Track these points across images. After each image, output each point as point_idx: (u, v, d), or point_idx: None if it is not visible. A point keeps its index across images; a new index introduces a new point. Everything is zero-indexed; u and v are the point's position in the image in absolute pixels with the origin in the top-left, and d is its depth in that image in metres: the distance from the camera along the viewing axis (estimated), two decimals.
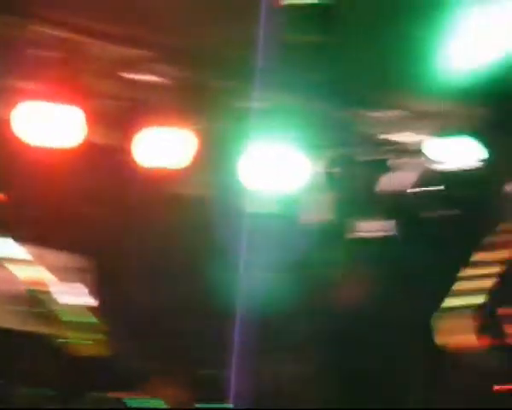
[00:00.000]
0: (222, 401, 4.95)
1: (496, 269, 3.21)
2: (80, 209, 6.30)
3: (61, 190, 5.99)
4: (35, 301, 4.19)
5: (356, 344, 5.88)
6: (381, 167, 5.44)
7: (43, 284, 4.27)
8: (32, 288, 4.27)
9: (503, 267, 3.16)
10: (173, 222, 6.28)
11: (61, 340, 4.74)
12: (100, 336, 4.87)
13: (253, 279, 5.32)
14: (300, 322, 5.91)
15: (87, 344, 4.88)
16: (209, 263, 6.40)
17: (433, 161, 5.42)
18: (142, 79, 5.44)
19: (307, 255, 5.70)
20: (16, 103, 4.81)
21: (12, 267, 5.61)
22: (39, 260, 4.44)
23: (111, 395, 4.79)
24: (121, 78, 5.21)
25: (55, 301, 4.40)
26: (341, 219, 5.75)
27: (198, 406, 4.96)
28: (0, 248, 3.96)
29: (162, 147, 5.50)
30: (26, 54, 4.80)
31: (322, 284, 6.12)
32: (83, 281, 6.23)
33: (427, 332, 5.17)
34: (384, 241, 5.88)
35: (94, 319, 4.79)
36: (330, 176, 5.43)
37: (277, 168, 5.14)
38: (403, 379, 5.87)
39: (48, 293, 4.23)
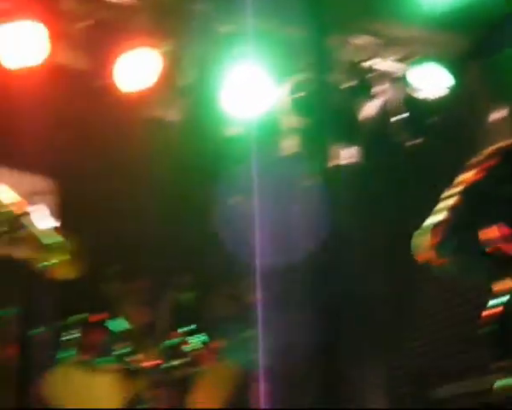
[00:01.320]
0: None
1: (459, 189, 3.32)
2: (47, 132, 6.22)
3: (26, 112, 5.90)
4: (11, 223, 4.14)
5: None
6: (360, 93, 5.47)
7: (18, 206, 4.20)
8: (6, 210, 4.20)
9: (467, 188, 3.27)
10: (147, 146, 6.24)
11: (38, 263, 4.72)
12: (72, 258, 4.87)
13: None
14: None
15: (62, 266, 4.88)
16: (180, 187, 6.40)
17: (412, 88, 5.46)
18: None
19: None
20: None
21: None
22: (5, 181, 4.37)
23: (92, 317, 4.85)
24: None
25: (31, 223, 4.34)
26: (314, 145, 5.76)
27: None
28: None
29: (133, 69, 5.45)
30: None
31: None
32: (49, 204, 6.20)
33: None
34: (358, 168, 5.95)
35: (65, 242, 4.77)
36: (302, 101, 5.43)
37: (252, 92, 5.14)
38: None
39: (24, 215, 4.17)
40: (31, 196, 6.01)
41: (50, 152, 6.22)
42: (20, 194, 5.67)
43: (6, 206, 4.06)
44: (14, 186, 4.48)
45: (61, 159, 6.29)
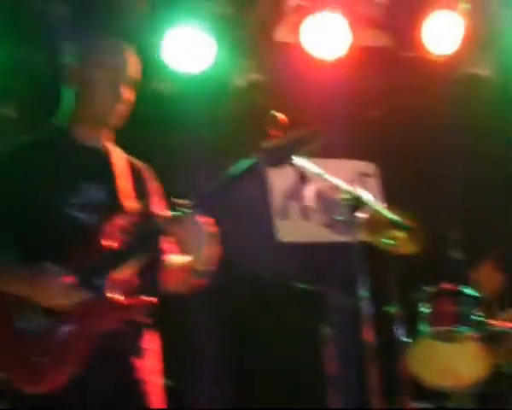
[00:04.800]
0: None
1: None
2: (361, 114, 6.30)
3: (340, 97, 6.02)
4: (348, 209, 4.24)
5: None
6: None
7: (353, 191, 4.30)
8: (340, 197, 4.32)
9: None
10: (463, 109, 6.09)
11: (381, 242, 4.82)
12: (412, 233, 4.88)
13: None
14: None
15: (404, 242, 4.92)
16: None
17: None
18: None
19: None
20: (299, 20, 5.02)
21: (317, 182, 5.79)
22: (330, 171, 4.49)
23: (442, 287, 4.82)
24: None
25: (371, 204, 4.43)
26: None
27: None
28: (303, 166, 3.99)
29: (438, 33, 5.38)
30: None
31: None
32: (371, 187, 6.28)
33: None
34: None
35: (404, 218, 4.79)
36: None
37: None
38: None
39: (362, 197, 4.26)
40: (356, 181, 6.18)
41: (367, 135, 6.30)
42: (346, 179, 5.82)
43: (345, 191, 4.17)
44: (339, 173, 4.61)
45: (377, 140, 6.35)
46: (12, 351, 2.66)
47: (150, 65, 5.18)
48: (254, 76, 5.58)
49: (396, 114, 6.37)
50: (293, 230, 6.24)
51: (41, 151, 2.90)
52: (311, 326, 5.11)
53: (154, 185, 3.07)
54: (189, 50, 5.12)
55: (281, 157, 2.87)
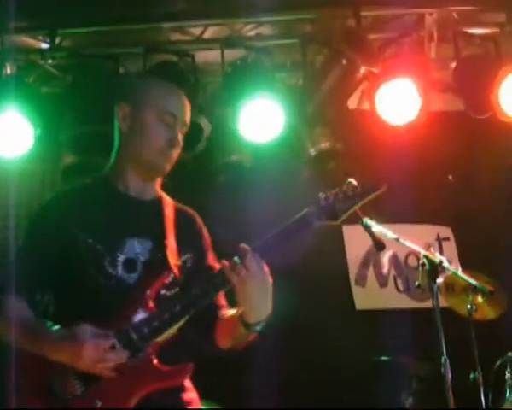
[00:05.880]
0: None
1: None
2: (433, 180, 6.26)
3: (414, 162, 5.98)
4: (426, 274, 4.19)
5: None
6: None
7: (432, 255, 4.25)
8: (418, 262, 4.29)
9: None
10: None
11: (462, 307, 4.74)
12: (492, 298, 4.78)
13: None
14: None
15: (484, 307, 4.83)
16: None
17: None
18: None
19: None
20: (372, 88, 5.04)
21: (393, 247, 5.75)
22: (406, 236, 4.45)
23: None
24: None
25: (450, 268, 4.37)
26: None
27: None
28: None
29: None
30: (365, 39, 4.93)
31: None
32: (449, 251, 6.20)
33: None
34: None
35: (484, 282, 4.70)
36: None
37: None
38: None
39: (441, 262, 4.21)
40: (433, 245, 6.10)
41: (442, 199, 6.24)
42: (423, 244, 5.76)
43: (423, 256, 4.13)
44: (415, 238, 4.58)
45: (452, 203, 6.28)
46: None
47: (226, 137, 5.28)
48: (327, 144, 5.60)
49: (470, 177, 6.31)
50: (370, 297, 6.18)
51: (83, 198, 2.71)
52: (393, 396, 5.01)
53: (204, 234, 2.89)
54: (261, 121, 5.17)
55: (335, 211, 2.62)
